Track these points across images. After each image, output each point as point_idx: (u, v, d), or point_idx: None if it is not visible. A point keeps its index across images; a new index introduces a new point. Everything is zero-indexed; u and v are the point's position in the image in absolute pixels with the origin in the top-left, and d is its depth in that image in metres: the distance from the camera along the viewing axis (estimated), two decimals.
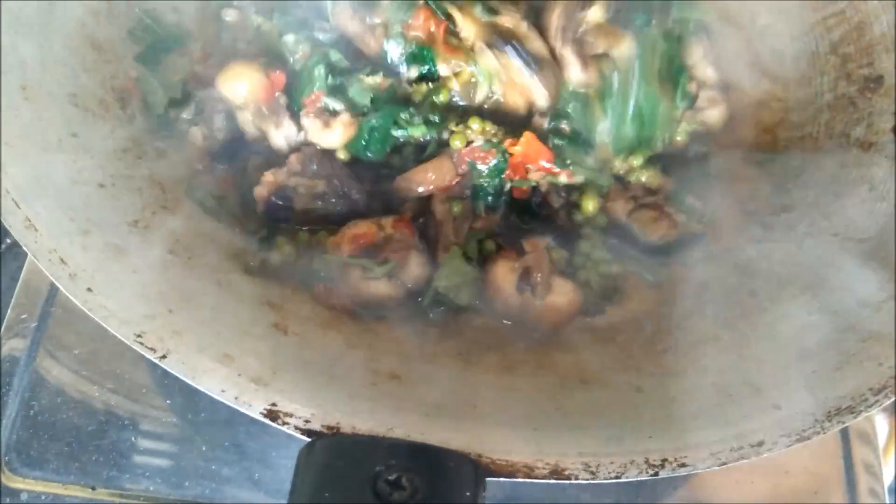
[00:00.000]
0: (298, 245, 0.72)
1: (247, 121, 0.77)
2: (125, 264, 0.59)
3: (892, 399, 0.57)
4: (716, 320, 0.71)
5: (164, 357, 0.53)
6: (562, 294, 0.71)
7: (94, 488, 0.78)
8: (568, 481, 0.52)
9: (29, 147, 0.62)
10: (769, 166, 0.84)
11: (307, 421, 0.52)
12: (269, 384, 0.53)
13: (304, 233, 0.74)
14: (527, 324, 0.71)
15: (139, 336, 0.53)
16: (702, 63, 0.84)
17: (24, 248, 0.56)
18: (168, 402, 0.84)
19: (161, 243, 0.64)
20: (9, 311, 0.85)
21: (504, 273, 0.71)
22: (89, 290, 0.55)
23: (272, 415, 0.52)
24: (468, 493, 0.48)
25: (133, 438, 0.81)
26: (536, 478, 0.52)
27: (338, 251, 0.70)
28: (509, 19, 0.76)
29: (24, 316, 0.84)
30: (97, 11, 0.77)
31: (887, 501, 0.86)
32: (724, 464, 0.54)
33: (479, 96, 0.77)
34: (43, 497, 0.77)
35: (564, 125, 0.76)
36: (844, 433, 0.88)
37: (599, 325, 0.72)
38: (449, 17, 0.75)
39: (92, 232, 0.60)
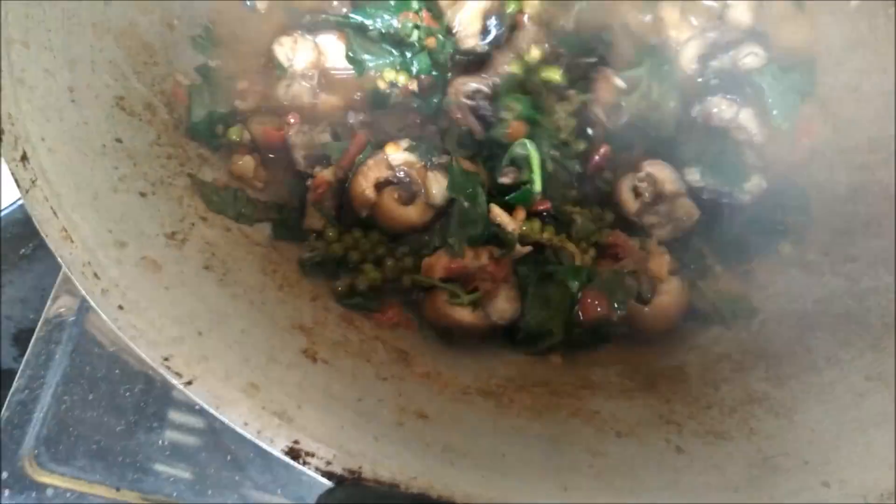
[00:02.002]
0: (385, 270, 0.72)
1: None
2: (158, 280, 0.58)
3: None
4: (767, 376, 0.67)
5: (189, 383, 0.52)
6: (669, 294, 0.71)
7: (118, 489, 0.78)
8: None
9: (72, 152, 0.61)
10: None
11: (329, 462, 0.50)
12: (293, 420, 0.52)
13: (393, 262, 0.73)
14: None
15: (166, 359, 0.52)
16: None
17: (59, 259, 0.55)
18: (197, 406, 0.83)
19: (197, 257, 0.63)
20: (48, 304, 0.85)
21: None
22: (120, 307, 0.54)
23: (294, 453, 0.50)
24: None
25: (160, 441, 0.81)
26: None
27: (431, 272, 0.71)
28: None
29: (62, 309, 0.85)
30: (149, 11, 0.76)
31: None
32: None
33: None
34: (68, 494, 0.77)
35: None
36: None
37: (641, 370, 0.69)
38: None
39: (128, 244, 0.59)
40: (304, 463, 0.50)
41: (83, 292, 0.54)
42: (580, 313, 0.71)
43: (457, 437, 0.57)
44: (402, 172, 0.74)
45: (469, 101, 0.77)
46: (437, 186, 0.73)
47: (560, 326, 0.70)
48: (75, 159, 0.61)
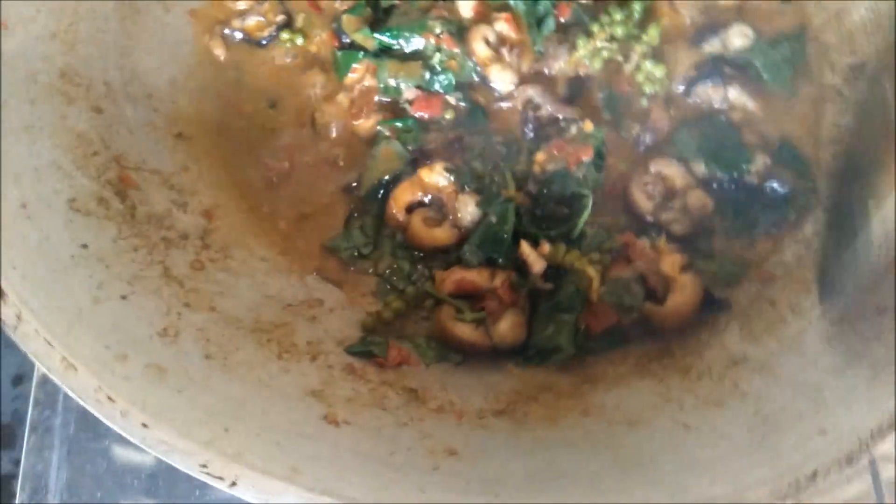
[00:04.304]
0: (408, 301, 0.76)
1: None
2: (169, 385, 0.58)
3: None
4: (742, 336, 0.73)
5: (233, 484, 0.53)
6: (683, 291, 0.73)
7: None
8: None
9: (45, 273, 0.60)
10: None
11: None
12: (341, 493, 0.54)
13: (412, 288, 0.77)
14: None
15: (204, 466, 0.53)
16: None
17: (68, 391, 0.55)
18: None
19: (195, 348, 0.63)
20: (29, 409, 0.83)
21: None
22: (145, 425, 0.54)
23: None
24: None
25: None
26: None
27: (441, 287, 0.75)
28: None
29: (46, 412, 0.83)
30: (74, 99, 0.74)
31: None
32: (783, 501, 0.56)
33: None
34: None
35: None
36: None
37: (629, 356, 0.74)
38: None
39: (128, 355, 0.58)
40: None
41: (102, 419, 0.54)
42: (589, 326, 0.73)
43: (489, 467, 0.60)
44: (430, 196, 0.79)
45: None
46: (466, 209, 0.77)
47: (569, 341, 0.72)
48: (49, 279, 0.60)
